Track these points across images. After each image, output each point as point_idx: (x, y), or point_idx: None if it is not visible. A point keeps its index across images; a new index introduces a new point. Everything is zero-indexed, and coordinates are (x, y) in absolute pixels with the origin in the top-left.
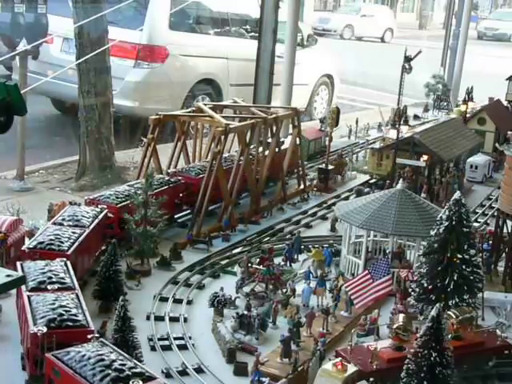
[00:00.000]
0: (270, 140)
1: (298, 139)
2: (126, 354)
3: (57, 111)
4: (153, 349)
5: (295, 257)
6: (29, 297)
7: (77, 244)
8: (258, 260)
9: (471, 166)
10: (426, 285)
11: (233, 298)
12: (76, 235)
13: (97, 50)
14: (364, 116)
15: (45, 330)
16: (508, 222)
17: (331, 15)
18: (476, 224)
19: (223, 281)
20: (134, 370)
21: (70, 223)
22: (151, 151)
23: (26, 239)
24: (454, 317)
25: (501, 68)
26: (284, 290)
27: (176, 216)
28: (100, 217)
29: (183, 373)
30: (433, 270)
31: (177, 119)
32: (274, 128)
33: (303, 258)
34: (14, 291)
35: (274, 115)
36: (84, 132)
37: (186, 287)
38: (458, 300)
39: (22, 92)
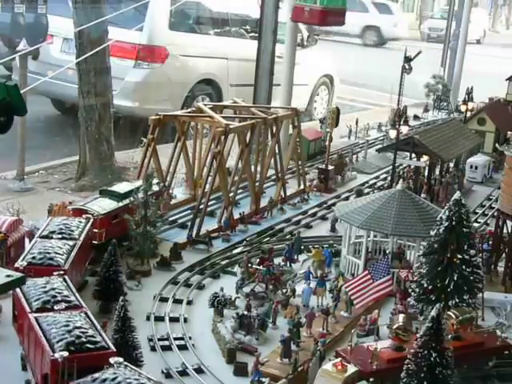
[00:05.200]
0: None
1: (297, 139)
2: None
3: (57, 111)
4: (153, 349)
5: (295, 257)
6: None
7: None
8: (257, 260)
9: (471, 166)
10: (425, 285)
11: (233, 299)
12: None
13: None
14: (364, 116)
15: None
16: (508, 222)
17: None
18: (476, 224)
19: (223, 281)
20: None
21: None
22: (151, 151)
23: (26, 240)
24: (453, 317)
25: None
26: (284, 291)
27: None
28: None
29: (183, 373)
30: (433, 270)
31: (177, 119)
32: (274, 128)
33: (303, 259)
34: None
35: (273, 115)
36: (84, 132)
37: (185, 287)
38: (457, 300)
39: (21, 92)
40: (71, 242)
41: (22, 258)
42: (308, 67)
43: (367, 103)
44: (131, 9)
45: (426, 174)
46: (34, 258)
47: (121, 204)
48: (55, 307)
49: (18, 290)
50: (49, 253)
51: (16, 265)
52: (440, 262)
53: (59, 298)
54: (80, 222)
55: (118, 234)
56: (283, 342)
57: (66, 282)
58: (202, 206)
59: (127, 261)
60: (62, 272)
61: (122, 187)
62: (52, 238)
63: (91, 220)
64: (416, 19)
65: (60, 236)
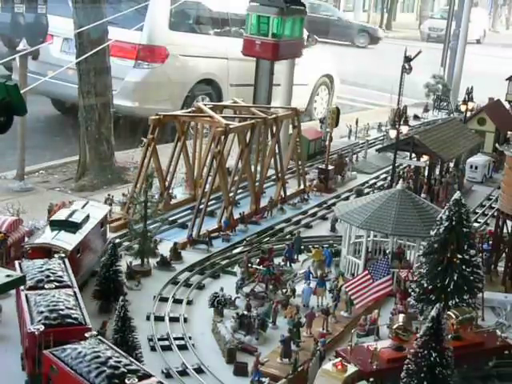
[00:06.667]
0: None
1: (297, 139)
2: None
3: (57, 111)
4: (153, 349)
5: (295, 257)
6: None
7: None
8: (257, 260)
9: (471, 166)
10: (425, 285)
11: (233, 299)
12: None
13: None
14: (364, 116)
15: None
16: (508, 222)
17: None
18: (476, 224)
19: (223, 281)
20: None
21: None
22: (151, 151)
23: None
24: (453, 317)
25: None
26: (284, 291)
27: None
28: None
29: (183, 373)
30: (433, 270)
31: (177, 119)
32: (274, 128)
33: (303, 259)
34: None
35: (273, 115)
36: (84, 132)
37: (185, 287)
38: (457, 300)
39: (21, 92)
40: (70, 291)
41: (28, 319)
42: (308, 67)
43: (367, 103)
44: (131, 8)
45: (426, 174)
46: (46, 318)
47: (81, 236)
48: (127, 381)
49: (59, 362)
50: (61, 309)
51: (31, 330)
52: (440, 261)
53: (123, 369)
54: (59, 263)
55: (82, 271)
56: (283, 341)
57: (105, 342)
58: (202, 206)
59: (127, 261)
60: (95, 333)
61: (77, 216)
62: (44, 287)
63: (66, 260)
64: (416, 19)
65: (53, 285)
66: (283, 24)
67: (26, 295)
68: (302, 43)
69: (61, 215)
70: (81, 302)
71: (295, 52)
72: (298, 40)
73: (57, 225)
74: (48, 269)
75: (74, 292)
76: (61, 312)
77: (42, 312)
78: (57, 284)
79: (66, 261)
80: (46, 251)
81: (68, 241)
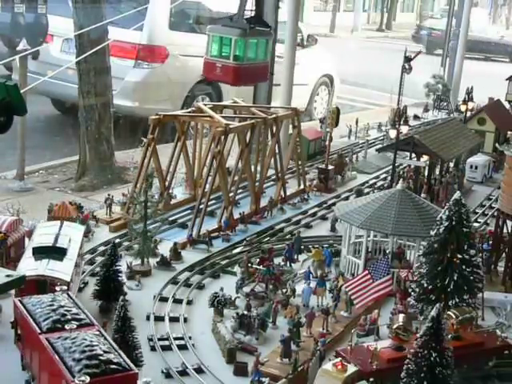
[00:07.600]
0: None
1: (297, 139)
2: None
3: (57, 111)
4: (153, 349)
5: (295, 257)
6: None
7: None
8: (257, 260)
9: (471, 166)
10: (425, 285)
11: (233, 298)
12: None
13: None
14: (364, 116)
15: None
16: (508, 222)
17: None
18: (476, 224)
19: (223, 281)
20: None
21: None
22: (151, 151)
23: (26, 240)
24: (453, 317)
25: None
26: (284, 290)
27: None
28: None
29: (183, 373)
30: (433, 270)
31: (177, 119)
32: (274, 128)
33: (303, 258)
34: None
35: (273, 115)
36: (84, 132)
37: (186, 287)
38: (457, 300)
39: (21, 92)
40: (95, 331)
41: (63, 369)
42: (308, 67)
43: (367, 103)
44: (131, 8)
45: (426, 174)
46: (87, 366)
47: (72, 263)
48: None
49: None
50: (99, 354)
51: (75, 383)
52: (440, 261)
53: None
54: (66, 298)
55: None
56: (283, 341)
57: None
58: (202, 206)
59: (127, 261)
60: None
61: (62, 241)
62: (64, 328)
63: (71, 293)
64: (416, 19)
65: (73, 325)
66: (246, 46)
67: (48, 340)
68: (266, 66)
69: (45, 241)
70: (112, 342)
71: (259, 76)
72: (263, 63)
73: (42, 252)
74: (60, 306)
75: (100, 331)
76: (100, 358)
77: (79, 360)
78: (77, 323)
79: (72, 294)
80: (40, 283)
81: (63, 270)
